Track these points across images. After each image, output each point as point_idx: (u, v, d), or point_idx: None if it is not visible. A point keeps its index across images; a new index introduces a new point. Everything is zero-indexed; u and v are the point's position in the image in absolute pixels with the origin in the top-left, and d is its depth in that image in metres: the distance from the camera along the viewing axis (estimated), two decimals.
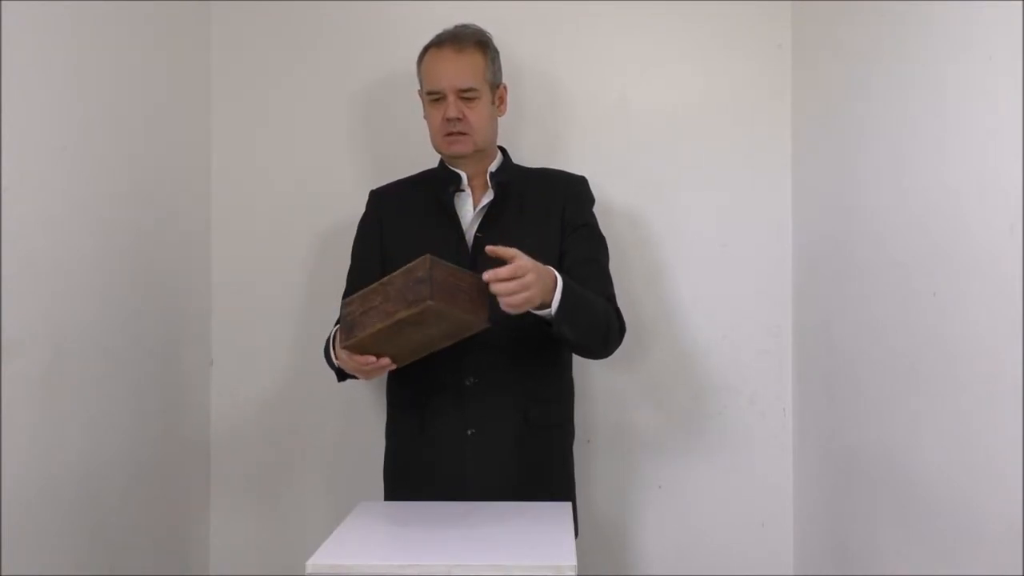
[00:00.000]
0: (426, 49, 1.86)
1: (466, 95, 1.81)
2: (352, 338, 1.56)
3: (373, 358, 1.60)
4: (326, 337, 1.83)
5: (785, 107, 2.23)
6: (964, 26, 1.43)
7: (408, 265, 1.50)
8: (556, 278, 1.61)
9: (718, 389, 2.24)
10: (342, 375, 1.79)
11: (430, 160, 1.95)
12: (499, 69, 1.88)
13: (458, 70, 1.80)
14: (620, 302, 1.89)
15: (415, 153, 1.99)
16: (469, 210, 1.87)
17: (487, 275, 1.50)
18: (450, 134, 1.82)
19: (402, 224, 1.89)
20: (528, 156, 2.11)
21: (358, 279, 1.87)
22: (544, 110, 2.24)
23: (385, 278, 1.54)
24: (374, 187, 1.99)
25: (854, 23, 1.86)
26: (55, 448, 1.64)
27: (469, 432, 1.79)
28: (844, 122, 1.92)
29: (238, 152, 2.28)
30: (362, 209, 1.97)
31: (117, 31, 1.85)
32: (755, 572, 2.23)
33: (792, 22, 2.22)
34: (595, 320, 1.73)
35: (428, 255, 1.49)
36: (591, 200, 1.94)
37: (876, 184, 1.75)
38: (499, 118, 1.91)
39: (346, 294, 1.88)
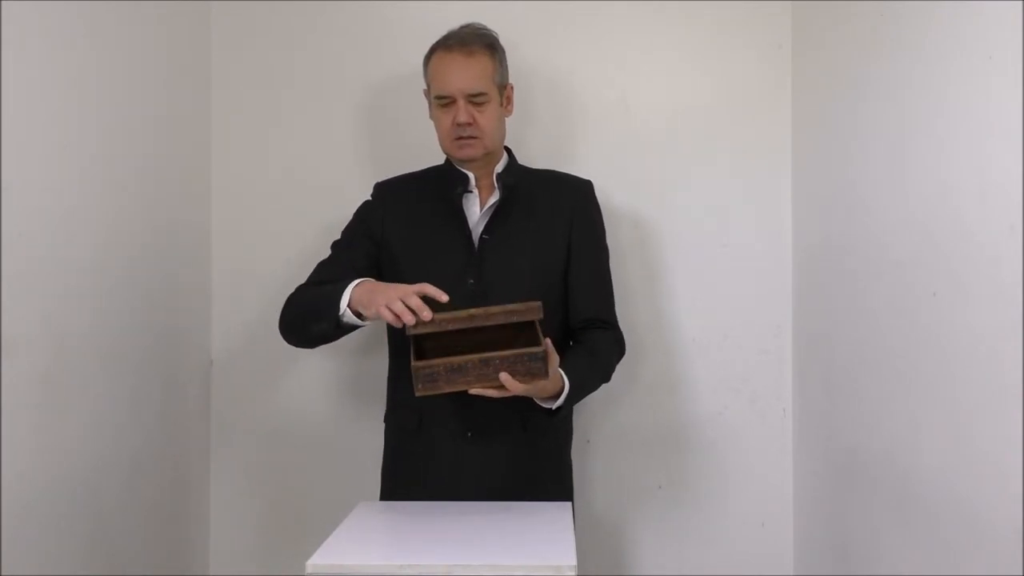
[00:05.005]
0: (433, 50, 1.84)
1: (476, 99, 1.79)
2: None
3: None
4: (311, 293, 1.79)
5: (785, 107, 2.23)
6: (963, 26, 1.43)
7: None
8: (563, 384, 1.69)
9: (718, 389, 2.24)
10: (339, 326, 1.71)
11: (431, 159, 1.95)
12: (506, 69, 1.87)
13: (468, 75, 1.78)
14: (620, 303, 1.88)
15: (416, 153, 1.98)
16: (476, 210, 1.86)
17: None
18: (460, 138, 1.81)
19: (407, 220, 1.88)
20: (531, 156, 2.11)
21: (344, 253, 1.86)
22: (546, 110, 2.24)
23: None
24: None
25: (854, 23, 1.85)
26: (55, 448, 1.63)
27: (468, 434, 1.79)
28: (844, 122, 1.92)
29: (238, 152, 2.27)
30: None
31: (117, 31, 1.85)
32: (755, 572, 2.23)
33: (792, 22, 2.22)
34: (594, 385, 1.85)
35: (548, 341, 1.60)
36: (598, 205, 1.94)
37: (876, 184, 1.75)
38: (506, 118, 1.90)
39: (326, 263, 1.86)
